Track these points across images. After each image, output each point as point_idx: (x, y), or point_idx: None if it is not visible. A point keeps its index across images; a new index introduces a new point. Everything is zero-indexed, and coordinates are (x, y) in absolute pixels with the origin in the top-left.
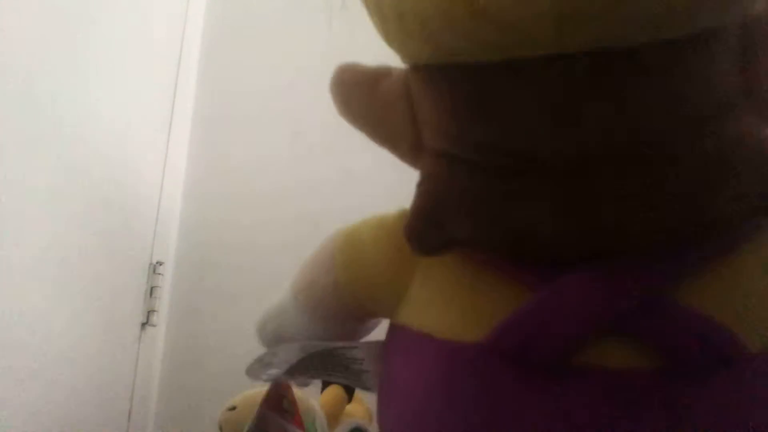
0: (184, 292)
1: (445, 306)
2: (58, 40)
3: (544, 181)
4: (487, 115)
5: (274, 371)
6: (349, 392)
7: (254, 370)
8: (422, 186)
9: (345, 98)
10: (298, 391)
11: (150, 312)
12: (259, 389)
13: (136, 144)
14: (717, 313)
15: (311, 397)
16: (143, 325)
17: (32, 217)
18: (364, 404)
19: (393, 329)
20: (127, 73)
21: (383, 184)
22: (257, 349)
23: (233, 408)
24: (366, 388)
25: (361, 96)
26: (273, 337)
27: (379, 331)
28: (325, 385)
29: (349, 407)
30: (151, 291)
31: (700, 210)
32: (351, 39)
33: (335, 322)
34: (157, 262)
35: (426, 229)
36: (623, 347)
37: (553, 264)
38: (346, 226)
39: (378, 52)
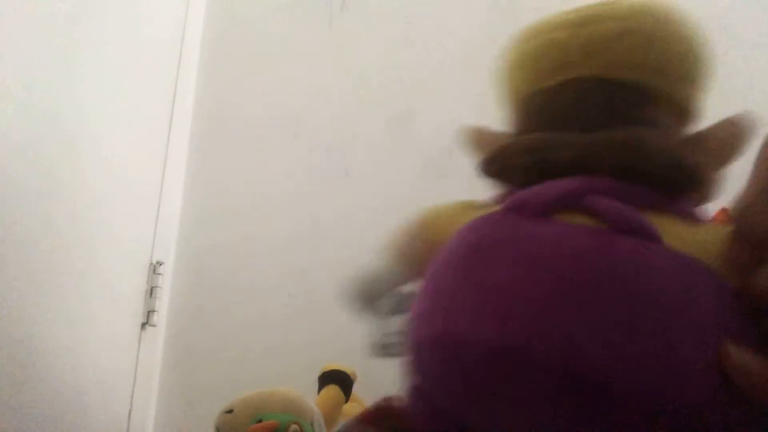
0: (184, 292)
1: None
2: (58, 40)
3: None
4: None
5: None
6: (346, 392)
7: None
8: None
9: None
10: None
11: (150, 312)
12: (257, 391)
13: (136, 144)
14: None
15: (308, 396)
16: (143, 325)
17: (30, 216)
18: (362, 404)
19: None
20: (127, 73)
21: (383, 184)
22: (256, 350)
23: (230, 411)
24: None
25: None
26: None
27: None
28: (322, 385)
29: (347, 407)
30: (151, 291)
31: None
32: (351, 38)
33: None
34: (157, 262)
35: (508, 160)
36: (580, 216)
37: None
38: None
39: (376, 51)
